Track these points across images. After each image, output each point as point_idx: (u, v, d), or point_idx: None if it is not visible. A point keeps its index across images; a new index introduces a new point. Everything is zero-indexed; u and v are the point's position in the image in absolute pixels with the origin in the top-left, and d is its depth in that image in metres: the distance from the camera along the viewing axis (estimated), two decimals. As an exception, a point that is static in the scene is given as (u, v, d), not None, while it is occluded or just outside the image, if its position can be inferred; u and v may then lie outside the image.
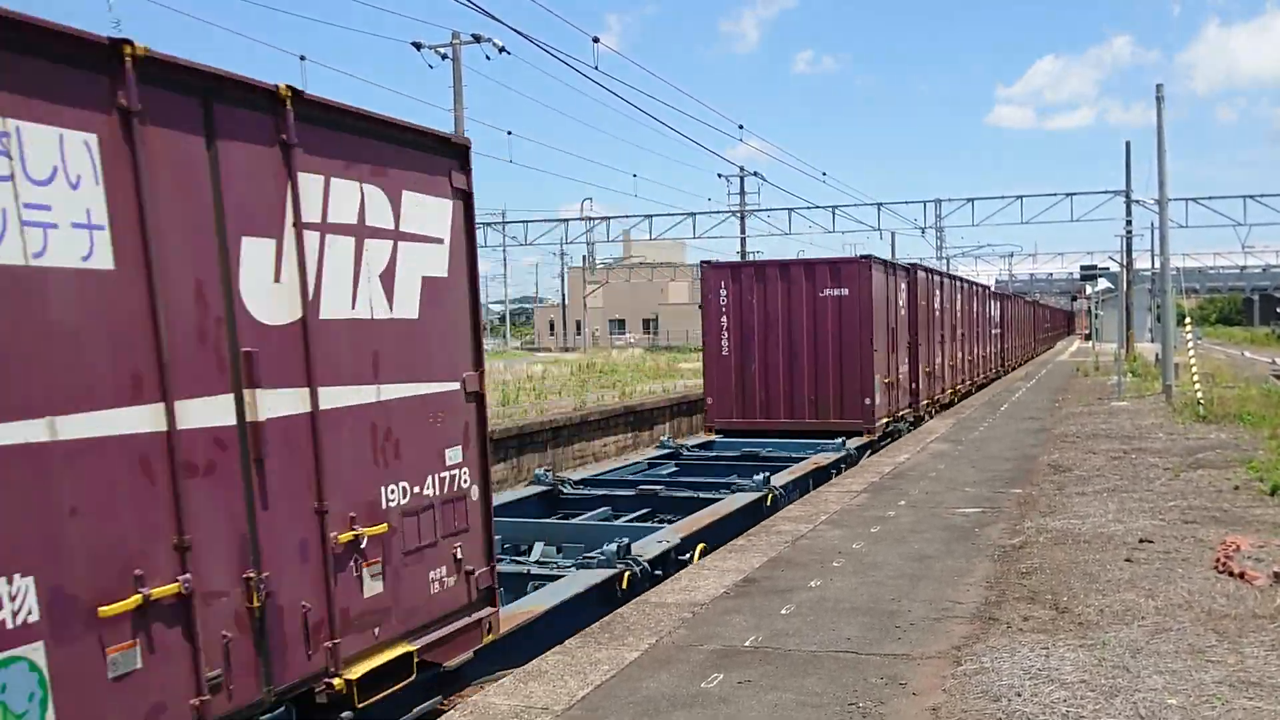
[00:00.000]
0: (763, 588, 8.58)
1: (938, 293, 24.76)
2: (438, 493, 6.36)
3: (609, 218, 57.60)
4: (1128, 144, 44.74)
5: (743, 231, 52.80)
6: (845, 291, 18.13)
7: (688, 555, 10.72)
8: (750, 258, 46.31)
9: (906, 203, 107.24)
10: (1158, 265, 31.64)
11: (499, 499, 12.08)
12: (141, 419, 4.42)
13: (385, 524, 5.84)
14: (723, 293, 18.63)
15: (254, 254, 5.08)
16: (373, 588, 5.73)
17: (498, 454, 20.58)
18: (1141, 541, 9.46)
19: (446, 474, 6.43)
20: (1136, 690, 5.78)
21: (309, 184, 5.41)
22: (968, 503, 12.17)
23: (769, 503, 13.17)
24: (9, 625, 3.84)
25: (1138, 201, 42.18)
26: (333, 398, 5.51)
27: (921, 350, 22.61)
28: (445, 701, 6.82)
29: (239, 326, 4.97)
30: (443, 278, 6.47)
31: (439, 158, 6.47)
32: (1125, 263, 44.86)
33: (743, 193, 51.93)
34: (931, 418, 23.34)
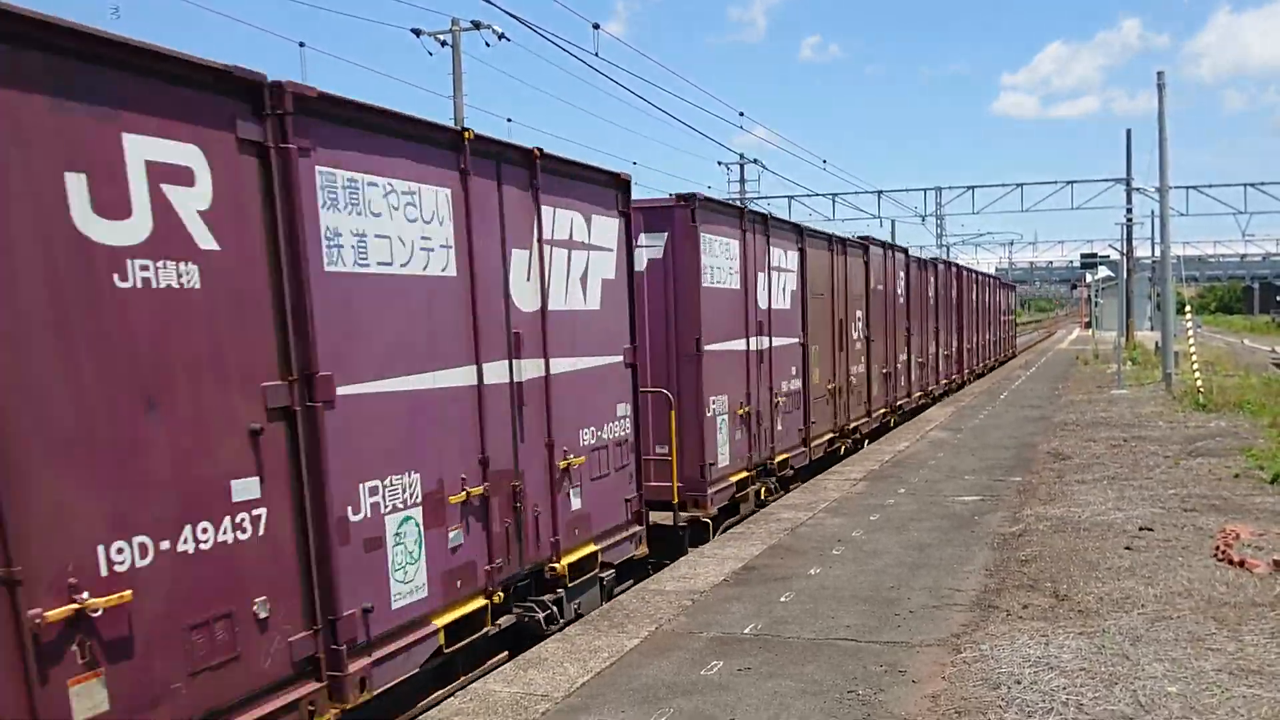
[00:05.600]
0: (762, 575, 8.58)
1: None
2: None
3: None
4: (1128, 131, 44.60)
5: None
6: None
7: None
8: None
9: (907, 190, 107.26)
10: (1158, 253, 31.59)
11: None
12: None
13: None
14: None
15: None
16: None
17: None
18: (1141, 529, 9.46)
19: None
20: (1136, 678, 5.79)
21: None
22: (967, 491, 12.18)
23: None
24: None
25: (1138, 189, 42.10)
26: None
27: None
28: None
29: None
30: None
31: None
32: (1126, 251, 44.79)
33: (743, 180, 51.75)
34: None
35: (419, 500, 6.01)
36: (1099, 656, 6.16)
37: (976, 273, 33.21)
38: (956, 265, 28.37)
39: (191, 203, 4.52)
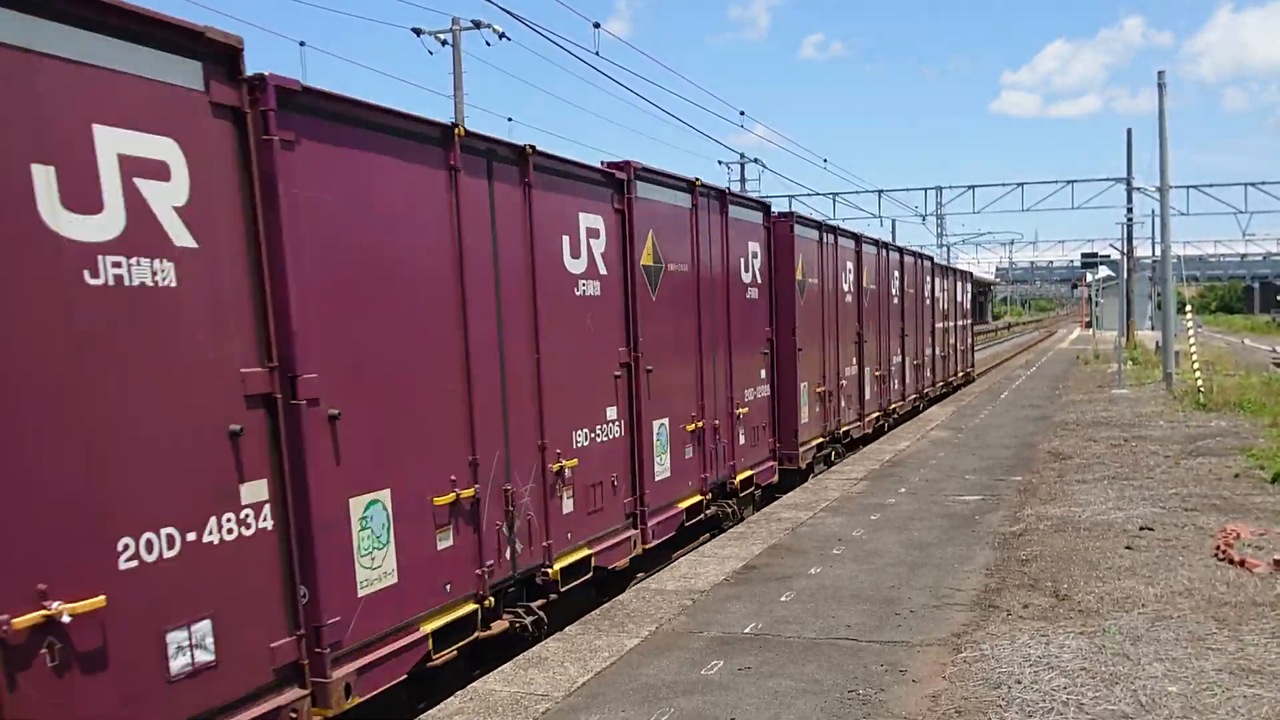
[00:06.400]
0: (763, 575, 8.58)
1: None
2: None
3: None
4: (1129, 131, 44.63)
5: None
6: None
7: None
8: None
9: (907, 189, 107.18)
10: (1158, 253, 31.60)
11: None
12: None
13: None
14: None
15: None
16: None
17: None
18: (1142, 529, 9.46)
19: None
20: (1137, 678, 5.78)
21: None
22: (968, 490, 12.17)
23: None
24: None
25: (1139, 189, 42.09)
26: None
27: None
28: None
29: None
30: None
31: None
32: (1126, 250, 44.80)
33: (743, 180, 51.73)
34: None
35: None
36: (1099, 656, 6.16)
37: (879, 243, 18.57)
38: (819, 223, 14.87)
39: None
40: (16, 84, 3.91)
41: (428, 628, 6.18)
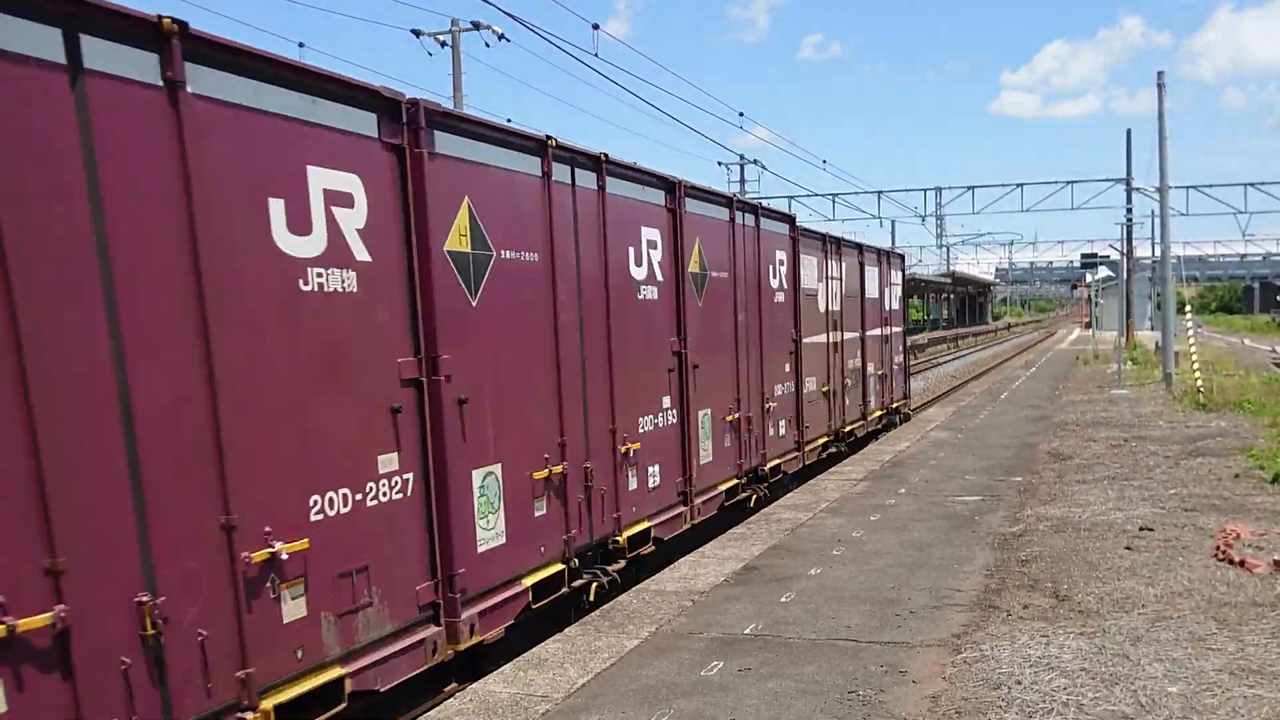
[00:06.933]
0: (763, 575, 8.58)
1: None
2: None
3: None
4: (1128, 131, 44.63)
5: (742, 219, 52.38)
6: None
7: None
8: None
9: (906, 190, 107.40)
10: (1158, 253, 31.61)
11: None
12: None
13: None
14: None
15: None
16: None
17: None
18: (1141, 529, 9.46)
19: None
20: (1137, 678, 5.78)
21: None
22: (968, 491, 12.17)
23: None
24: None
25: (1138, 189, 42.16)
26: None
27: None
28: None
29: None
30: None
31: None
32: (1126, 251, 44.81)
33: (743, 181, 51.72)
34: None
35: None
36: (1099, 656, 6.16)
37: (601, 164, 8.54)
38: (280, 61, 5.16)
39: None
40: None
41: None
